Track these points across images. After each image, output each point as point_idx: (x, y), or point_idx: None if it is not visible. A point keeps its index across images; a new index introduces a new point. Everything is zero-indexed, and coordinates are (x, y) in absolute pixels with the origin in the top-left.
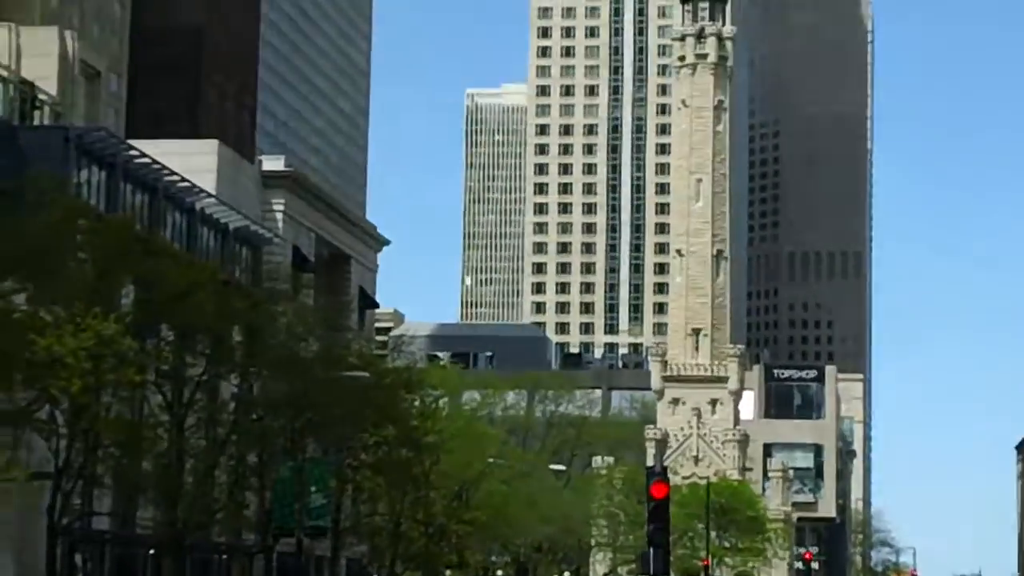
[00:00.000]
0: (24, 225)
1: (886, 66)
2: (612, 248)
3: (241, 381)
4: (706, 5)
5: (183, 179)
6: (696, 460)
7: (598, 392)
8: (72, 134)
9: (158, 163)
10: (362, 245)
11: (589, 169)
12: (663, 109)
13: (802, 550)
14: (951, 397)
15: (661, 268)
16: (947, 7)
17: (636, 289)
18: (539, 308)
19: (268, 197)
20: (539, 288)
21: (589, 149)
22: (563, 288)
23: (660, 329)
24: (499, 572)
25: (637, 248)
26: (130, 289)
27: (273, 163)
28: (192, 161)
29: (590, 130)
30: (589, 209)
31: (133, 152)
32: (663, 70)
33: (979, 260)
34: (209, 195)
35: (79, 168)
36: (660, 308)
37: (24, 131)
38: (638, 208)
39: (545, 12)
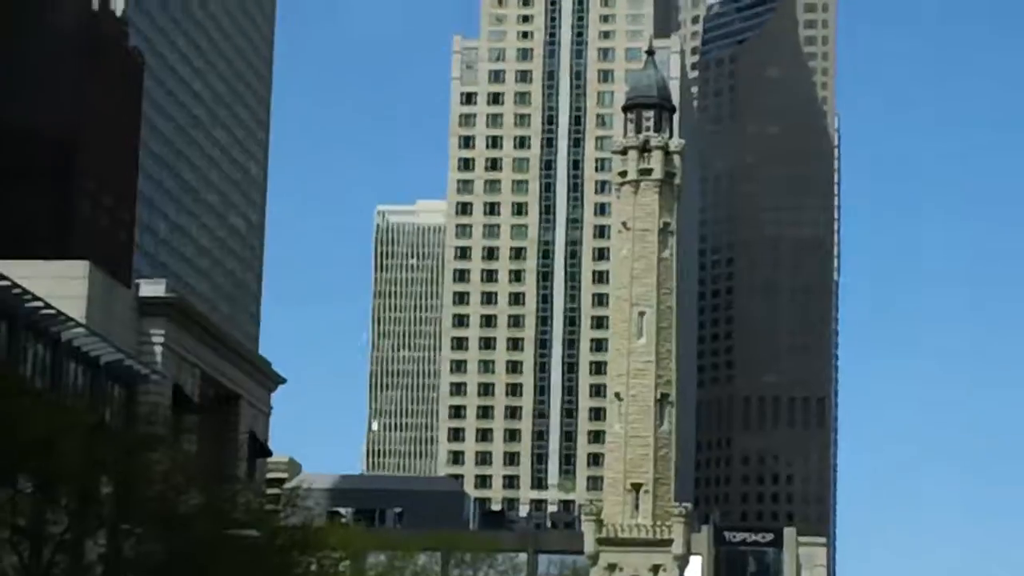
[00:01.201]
0: None
1: (855, 183)
2: (541, 390)
3: (110, 540)
4: (651, 114)
5: (48, 306)
6: None
7: (523, 556)
8: None
9: (19, 287)
10: (254, 383)
11: (516, 299)
12: (601, 231)
13: None
14: (930, 569)
15: (597, 414)
16: (926, 113)
17: (568, 437)
18: (456, 458)
19: (146, 327)
20: (456, 435)
21: (516, 276)
22: (484, 435)
23: (595, 484)
24: None
25: (570, 391)
26: None
27: (152, 288)
28: (59, 285)
29: (517, 254)
30: (515, 345)
31: None
32: (601, 187)
33: (959, 405)
34: (78, 324)
35: None
36: (595, 459)
37: None
38: (571, 344)
39: (467, 119)
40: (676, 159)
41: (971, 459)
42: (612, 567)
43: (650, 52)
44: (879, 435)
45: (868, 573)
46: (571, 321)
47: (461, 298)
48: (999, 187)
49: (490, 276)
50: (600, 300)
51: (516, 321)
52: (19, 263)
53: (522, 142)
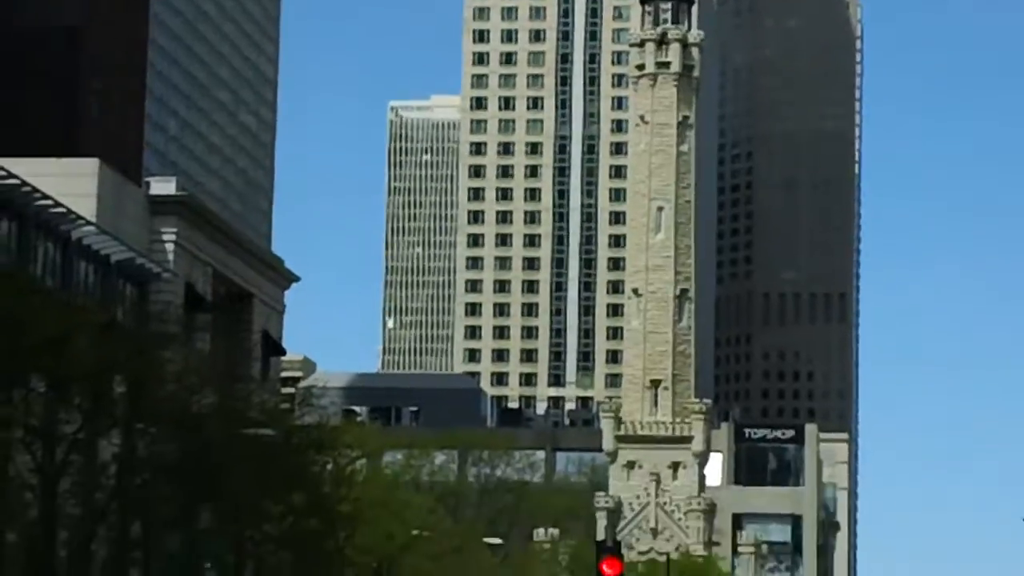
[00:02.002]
0: None
1: (878, 76)
2: (558, 287)
3: (124, 440)
4: (668, 6)
5: (58, 204)
6: (655, 533)
7: (541, 454)
8: None
9: (29, 185)
10: (267, 282)
11: (532, 195)
12: (619, 126)
13: None
14: (951, 461)
15: (615, 310)
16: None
17: (586, 335)
18: (472, 356)
19: (157, 226)
20: (473, 332)
21: (532, 171)
22: (501, 333)
23: (613, 381)
24: None
25: (587, 287)
26: None
27: (163, 186)
28: (69, 184)
29: (533, 149)
30: (532, 241)
31: (1, 173)
32: (619, 80)
33: (981, 301)
34: (88, 223)
35: None
36: (613, 357)
37: None
38: (589, 240)
39: (482, 12)
40: (695, 52)
41: (993, 352)
42: (631, 464)
43: None
44: (902, 331)
45: (890, 469)
46: (588, 217)
47: (476, 194)
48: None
49: (506, 172)
50: (618, 195)
51: (532, 217)
52: (28, 161)
53: (537, 35)
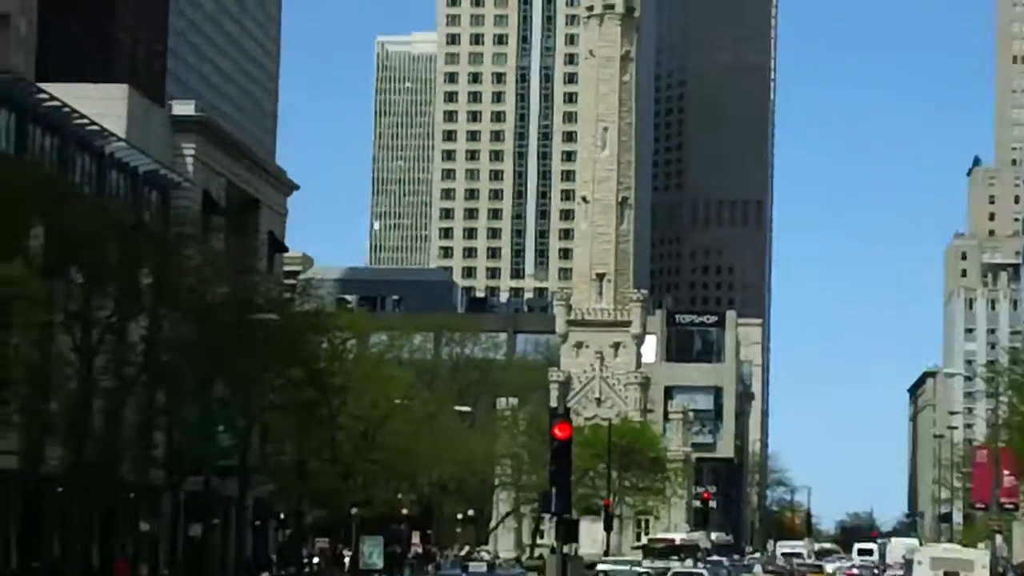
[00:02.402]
0: None
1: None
2: (519, 195)
3: (150, 323)
4: None
5: (93, 123)
6: (599, 402)
7: (503, 335)
8: None
9: (68, 107)
10: (272, 190)
11: (497, 117)
12: (571, 59)
13: (700, 489)
14: (847, 342)
15: (567, 214)
16: None
17: (542, 235)
18: (446, 253)
19: (178, 142)
20: (446, 233)
21: (497, 97)
22: (470, 233)
23: (565, 274)
24: (404, 510)
25: (543, 195)
26: (39, 232)
27: (183, 108)
28: (102, 105)
29: (499, 79)
30: (497, 156)
31: (43, 96)
32: (572, 20)
33: (872, 212)
34: (119, 139)
35: None
36: (565, 254)
37: None
38: (545, 156)
39: None
40: None
41: (883, 239)
42: (579, 344)
43: None
44: (807, 234)
45: (795, 347)
46: (545, 136)
47: (450, 116)
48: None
49: (475, 98)
50: (570, 117)
51: (497, 136)
52: (68, 86)
53: None
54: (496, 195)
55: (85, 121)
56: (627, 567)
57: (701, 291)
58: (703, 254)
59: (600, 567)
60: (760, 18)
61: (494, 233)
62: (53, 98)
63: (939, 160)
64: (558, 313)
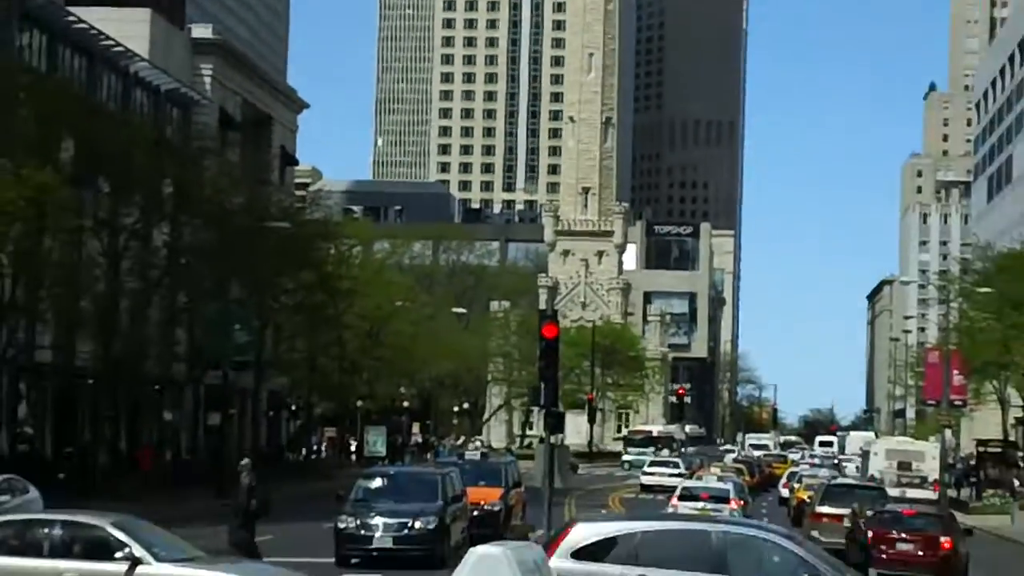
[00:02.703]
0: None
1: None
2: (511, 115)
3: (172, 230)
4: None
5: (118, 44)
6: (583, 305)
7: (496, 244)
8: (15, 1)
9: (95, 29)
10: (283, 107)
11: (491, 43)
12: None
13: (676, 386)
14: (812, 253)
15: (555, 133)
16: None
17: (532, 152)
18: (444, 168)
19: (197, 63)
20: (444, 150)
21: (492, 24)
22: (466, 150)
23: (553, 188)
24: (405, 404)
25: (534, 115)
26: (69, 144)
27: (202, 31)
28: (127, 28)
29: (493, 7)
30: (491, 79)
31: (72, 18)
32: None
33: (836, 134)
34: (143, 59)
35: (21, 31)
36: (553, 169)
37: None
38: (535, 79)
39: None
40: None
41: (845, 158)
42: (566, 253)
43: None
44: (777, 151)
45: (764, 257)
46: (535, 60)
47: (448, 41)
48: None
49: (471, 24)
50: (558, 44)
51: (491, 60)
52: (95, 9)
53: None
54: (490, 115)
55: (111, 43)
56: (647, 455)
57: (678, 204)
58: (680, 170)
59: (624, 458)
60: None
61: (488, 150)
62: (81, 21)
63: (898, 86)
64: (546, 224)
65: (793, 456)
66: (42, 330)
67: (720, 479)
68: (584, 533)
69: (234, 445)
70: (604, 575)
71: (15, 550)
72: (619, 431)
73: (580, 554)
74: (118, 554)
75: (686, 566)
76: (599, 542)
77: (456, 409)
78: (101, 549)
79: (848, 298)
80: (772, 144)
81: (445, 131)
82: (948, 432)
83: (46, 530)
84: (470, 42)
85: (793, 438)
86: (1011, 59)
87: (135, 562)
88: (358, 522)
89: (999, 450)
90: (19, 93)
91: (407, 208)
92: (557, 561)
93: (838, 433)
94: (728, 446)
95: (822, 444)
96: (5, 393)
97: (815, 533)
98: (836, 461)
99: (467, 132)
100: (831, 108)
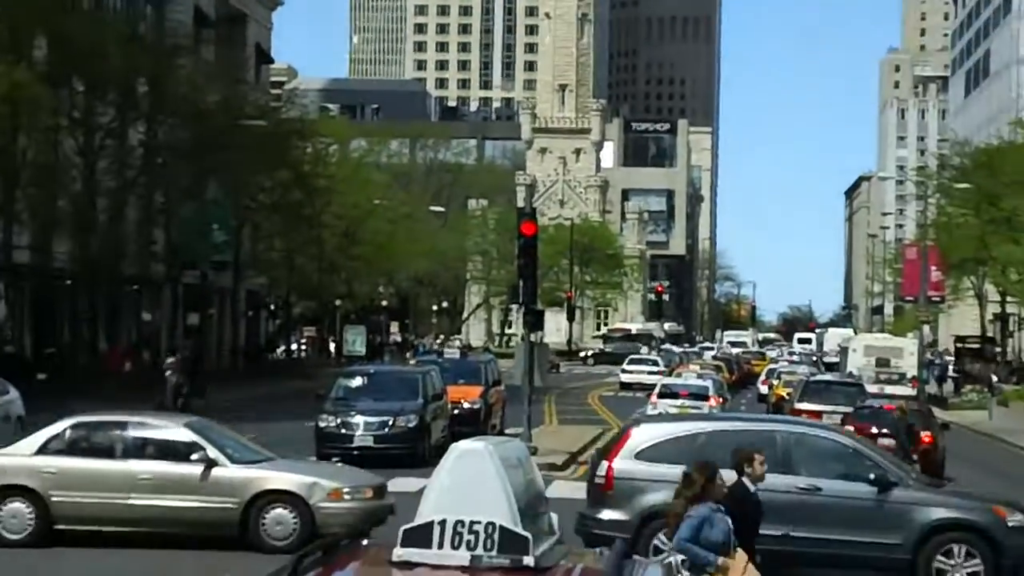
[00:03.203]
0: None
1: None
2: (487, 11)
3: (147, 128)
4: None
5: None
6: (561, 203)
7: (473, 142)
8: None
9: None
10: (258, 4)
11: None
12: None
13: (654, 284)
14: (790, 149)
15: (531, 30)
16: None
17: (508, 48)
18: (420, 65)
19: None
20: (420, 47)
21: None
22: (442, 47)
23: (530, 85)
24: (384, 303)
25: (509, 11)
26: (42, 42)
27: None
28: None
29: None
30: None
31: None
32: None
33: (814, 28)
34: None
35: None
36: (530, 66)
37: None
38: None
39: None
40: None
41: (823, 53)
42: (543, 150)
43: None
44: (752, 47)
45: (742, 154)
46: None
47: None
48: None
49: None
50: None
51: None
52: None
53: None
54: (466, 11)
55: None
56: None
57: (655, 101)
58: (657, 67)
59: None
60: None
61: (464, 47)
62: None
63: None
64: (524, 121)
65: (771, 353)
66: (19, 231)
67: (699, 376)
68: (646, 435)
69: (213, 344)
70: (666, 475)
71: (88, 451)
72: (598, 329)
73: (643, 455)
74: (193, 456)
75: None
76: (660, 443)
77: (435, 308)
78: (175, 451)
79: (826, 194)
80: (749, 40)
81: (421, 28)
82: (926, 328)
83: (119, 432)
84: None
85: (771, 335)
86: None
87: (210, 464)
88: (339, 421)
89: (977, 346)
90: None
91: (384, 106)
92: (621, 462)
93: (816, 330)
94: (707, 343)
95: (800, 341)
96: None
97: None
98: (815, 358)
99: (443, 29)
100: (809, 2)
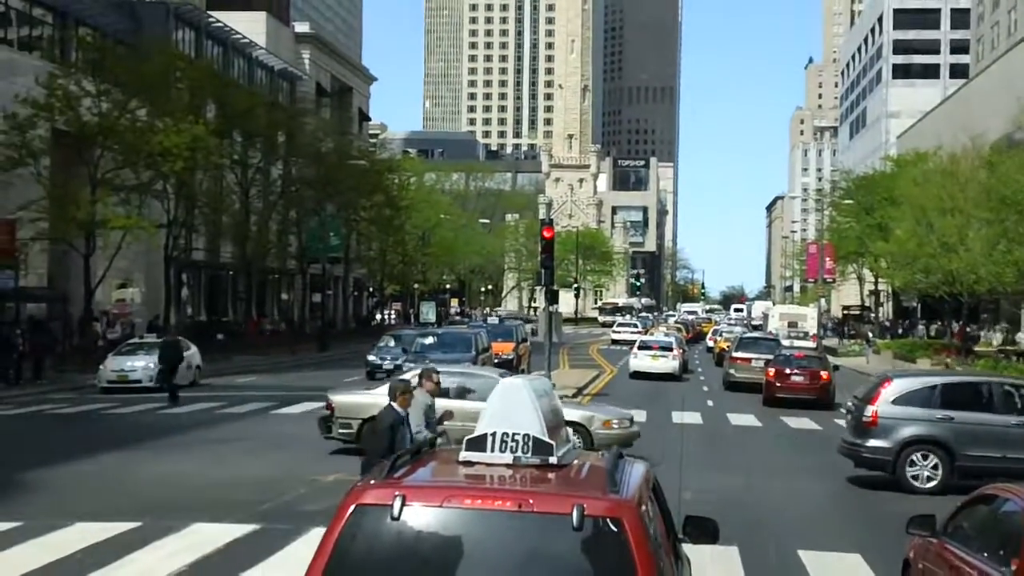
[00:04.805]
0: (143, 66)
1: None
2: (518, 84)
3: (284, 166)
4: None
5: (244, 37)
6: (569, 216)
7: (509, 174)
8: (171, 7)
9: (228, 26)
10: (359, 80)
11: (503, 33)
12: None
13: (634, 271)
14: (729, 177)
15: (548, 96)
16: None
17: (533, 110)
18: (471, 121)
19: (299, 49)
20: (471, 109)
21: (503, 20)
22: (487, 109)
23: (547, 135)
24: (448, 286)
25: (533, 83)
26: (212, 108)
27: (302, 27)
28: (249, 26)
29: (503, 8)
30: (503, 59)
31: (211, 19)
32: None
33: (746, 91)
34: (261, 48)
35: (175, 30)
36: (548, 121)
37: (138, 5)
38: (534, 58)
39: None
40: None
41: (752, 110)
42: (557, 180)
43: None
44: (706, 106)
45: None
46: (534, 46)
47: (473, 33)
48: None
49: (489, 21)
50: (550, 33)
51: (503, 46)
52: (227, 13)
53: None
54: (503, 84)
55: (239, 36)
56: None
57: (635, 145)
58: (635, 121)
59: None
60: None
61: (502, 108)
62: (218, 20)
63: (787, 60)
64: (543, 160)
65: (715, 318)
66: (196, 238)
67: (666, 335)
68: (898, 386)
69: (330, 315)
70: (916, 415)
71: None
72: (595, 302)
73: (898, 401)
74: None
75: (978, 408)
76: (910, 392)
77: (483, 289)
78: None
79: (753, 208)
80: (701, 100)
81: (472, 96)
82: (822, 300)
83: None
84: (488, 33)
85: (715, 306)
86: (864, 40)
87: None
88: None
89: (858, 313)
90: (177, 72)
91: (446, 150)
92: (882, 406)
93: (746, 302)
94: (671, 312)
95: (735, 310)
96: (172, 282)
97: (732, 371)
98: (745, 322)
99: (487, 96)
100: (739, 77)
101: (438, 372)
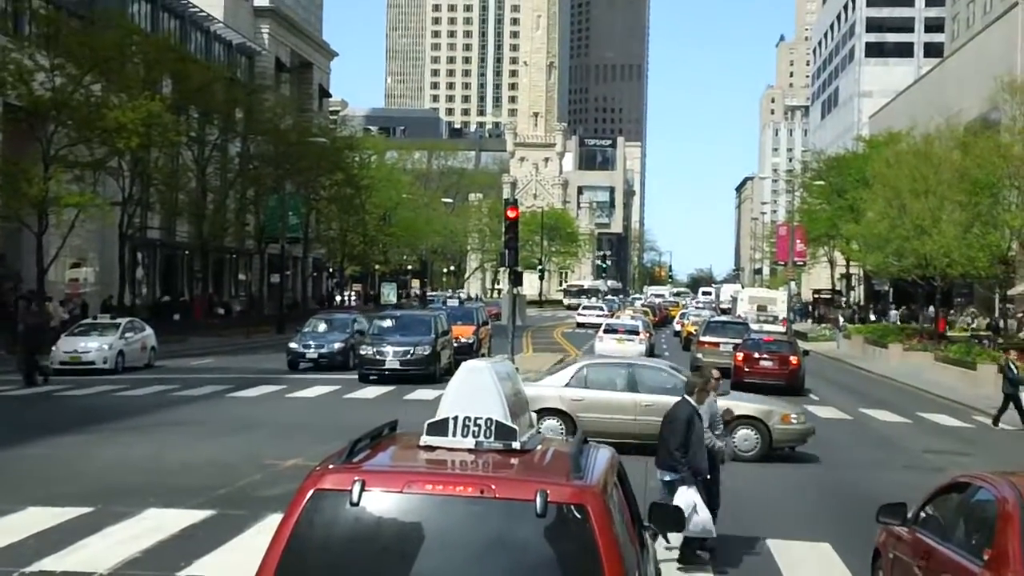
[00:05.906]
0: (98, 40)
1: None
2: (482, 60)
3: (242, 144)
4: None
5: (202, 11)
6: (534, 196)
7: (472, 153)
8: None
9: (189, 1)
10: (320, 56)
11: (467, 8)
12: None
13: (600, 253)
14: (697, 158)
15: (514, 73)
16: None
17: (497, 87)
18: (435, 98)
19: (258, 24)
20: (435, 86)
21: (467, 8)
22: (450, 86)
23: (512, 112)
24: (409, 267)
25: (498, 60)
26: (168, 83)
27: (261, 0)
28: (208, 1)
29: (468, 8)
30: (467, 35)
31: None
32: None
33: (716, 71)
34: (219, 22)
35: (131, 3)
36: (513, 99)
37: None
38: (499, 35)
39: None
40: None
41: (721, 89)
42: (522, 159)
43: None
44: (674, 86)
45: (661, 160)
46: (499, 22)
47: (436, 8)
48: None
49: (452, 9)
50: (515, 9)
51: (467, 21)
52: None
53: None
54: (467, 60)
55: (196, 9)
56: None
57: (602, 124)
58: (602, 99)
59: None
60: None
61: (466, 85)
62: None
63: (758, 38)
64: (508, 138)
65: (683, 302)
66: (152, 216)
67: (632, 318)
68: None
69: (290, 297)
70: None
71: (596, 384)
72: (560, 284)
73: None
74: (667, 386)
75: None
76: None
77: (445, 271)
78: (664, 386)
79: (722, 189)
80: (668, 79)
81: (435, 72)
82: (792, 284)
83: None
84: (452, 8)
85: (682, 289)
86: (837, 18)
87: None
88: (374, 350)
89: (828, 297)
90: (132, 47)
91: (408, 128)
92: None
93: (714, 285)
94: (637, 295)
95: (704, 293)
96: (127, 261)
97: (699, 356)
98: (713, 305)
99: (451, 73)
100: (711, 54)
101: (718, 376)
